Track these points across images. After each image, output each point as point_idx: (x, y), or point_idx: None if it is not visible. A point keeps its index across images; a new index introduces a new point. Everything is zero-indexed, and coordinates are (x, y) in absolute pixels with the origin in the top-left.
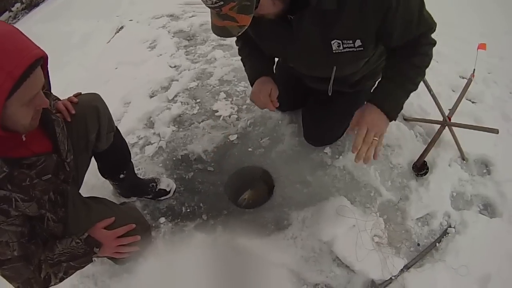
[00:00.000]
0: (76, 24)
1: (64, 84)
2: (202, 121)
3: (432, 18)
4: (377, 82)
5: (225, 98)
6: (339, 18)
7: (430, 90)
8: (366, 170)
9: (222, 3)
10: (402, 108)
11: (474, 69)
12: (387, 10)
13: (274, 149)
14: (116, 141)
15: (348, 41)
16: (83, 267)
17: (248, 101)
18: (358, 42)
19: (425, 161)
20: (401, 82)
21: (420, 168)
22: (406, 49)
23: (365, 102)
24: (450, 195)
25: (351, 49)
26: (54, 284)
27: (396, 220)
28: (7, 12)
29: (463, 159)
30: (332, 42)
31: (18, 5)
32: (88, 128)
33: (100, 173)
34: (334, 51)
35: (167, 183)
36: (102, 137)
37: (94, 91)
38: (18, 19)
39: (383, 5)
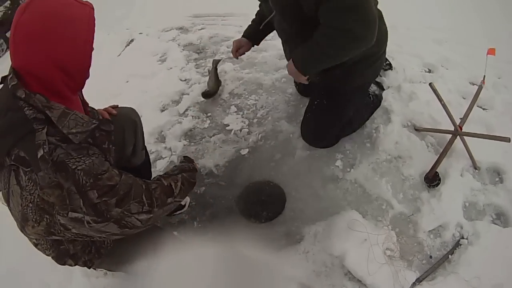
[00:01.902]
0: None
1: None
2: (213, 135)
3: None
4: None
5: (235, 111)
6: None
7: (440, 100)
8: (377, 183)
9: None
10: (313, 69)
11: (484, 76)
12: None
13: (285, 163)
14: (147, 158)
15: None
16: (194, 182)
17: (259, 114)
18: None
19: (437, 172)
20: (310, 44)
21: (432, 179)
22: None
23: None
24: (462, 205)
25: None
26: (177, 196)
27: (408, 232)
28: None
29: (475, 168)
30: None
31: None
32: (126, 141)
33: None
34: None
35: None
36: (138, 152)
37: (105, 104)
38: None
39: None
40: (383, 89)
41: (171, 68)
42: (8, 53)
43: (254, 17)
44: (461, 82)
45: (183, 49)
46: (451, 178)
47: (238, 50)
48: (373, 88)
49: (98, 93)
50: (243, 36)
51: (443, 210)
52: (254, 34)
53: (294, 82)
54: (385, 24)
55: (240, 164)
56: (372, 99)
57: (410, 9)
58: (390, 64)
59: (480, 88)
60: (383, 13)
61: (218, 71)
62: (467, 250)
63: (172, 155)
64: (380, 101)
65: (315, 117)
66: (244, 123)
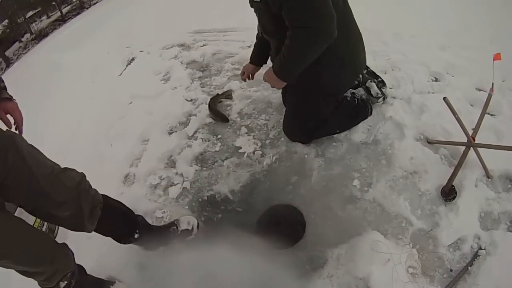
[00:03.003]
0: (86, 55)
1: (77, 119)
2: (225, 159)
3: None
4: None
5: (246, 133)
6: None
7: (454, 114)
8: (396, 200)
9: None
10: (289, 74)
11: (493, 83)
12: None
13: (302, 185)
14: (107, 213)
15: None
16: None
17: (271, 134)
18: None
19: (453, 185)
20: (282, 55)
21: (449, 193)
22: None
23: None
24: (478, 216)
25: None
26: None
27: (428, 248)
28: (18, 42)
29: (488, 177)
30: None
31: (27, 35)
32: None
33: (116, 241)
34: (254, 1)
35: (187, 221)
36: (86, 220)
37: (110, 128)
38: (28, 49)
39: None
40: (372, 95)
41: (175, 87)
42: (8, 70)
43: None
44: (468, 89)
45: (186, 67)
46: (467, 190)
47: (245, 73)
48: (360, 93)
49: (101, 115)
50: (249, 61)
51: (461, 223)
52: (257, 57)
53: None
54: (358, 35)
55: (256, 188)
56: (357, 102)
57: (413, 15)
58: (383, 82)
59: (489, 97)
60: (387, 22)
61: (221, 103)
62: (485, 261)
63: (185, 181)
64: (370, 109)
65: (289, 112)
66: (257, 144)
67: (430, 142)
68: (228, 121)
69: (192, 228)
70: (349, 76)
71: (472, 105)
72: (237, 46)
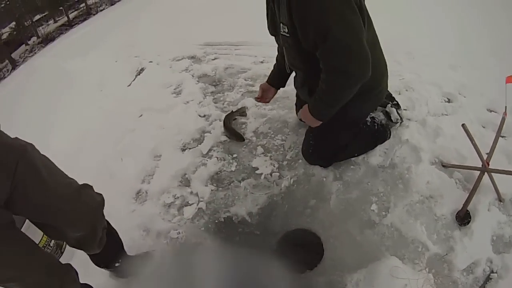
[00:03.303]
0: (93, 62)
1: (84, 129)
2: (242, 180)
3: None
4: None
5: (263, 153)
6: (282, 2)
7: (472, 140)
8: (413, 225)
9: None
10: (326, 115)
11: (506, 107)
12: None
13: (321, 209)
14: (109, 238)
15: (284, 25)
16: None
17: (288, 156)
18: (285, 28)
19: (467, 210)
20: (318, 97)
21: (464, 218)
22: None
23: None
24: (490, 239)
25: (284, 34)
26: None
27: (444, 272)
28: (24, 45)
29: (500, 200)
30: (280, 24)
31: (34, 38)
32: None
33: (95, 263)
34: (281, 33)
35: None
36: (96, 244)
37: (120, 140)
38: (35, 53)
39: None
40: (392, 121)
41: (187, 102)
42: (14, 72)
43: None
44: (480, 110)
45: (198, 81)
46: (480, 214)
47: (263, 95)
48: (380, 117)
49: (110, 126)
50: (267, 82)
51: (474, 247)
52: (276, 79)
53: (296, 111)
54: (383, 61)
55: (275, 211)
56: (376, 127)
57: (423, 34)
58: (398, 104)
59: (503, 120)
60: (399, 40)
61: (235, 121)
62: (497, 284)
63: (200, 201)
64: (389, 133)
65: (311, 137)
66: (274, 166)
67: (445, 166)
68: (243, 140)
69: None
70: (373, 104)
71: (484, 127)
72: (249, 61)
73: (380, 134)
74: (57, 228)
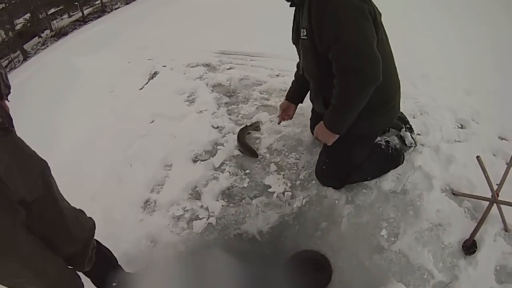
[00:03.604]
0: (105, 61)
1: (95, 130)
2: (254, 197)
3: (364, 38)
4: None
5: (276, 171)
6: (304, 10)
7: (485, 172)
8: (420, 253)
9: None
10: (342, 125)
11: None
12: (311, 4)
13: (331, 231)
14: (97, 257)
15: (303, 30)
16: None
17: (302, 175)
18: (304, 32)
19: (474, 240)
20: (332, 107)
21: (470, 247)
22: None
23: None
24: (494, 269)
25: (303, 37)
26: None
27: None
28: (37, 37)
29: (506, 231)
30: (302, 29)
31: (47, 31)
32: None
33: (95, 285)
34: (301, 37)
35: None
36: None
37: (130, 145)
38: (47, 46)
39: (310, 2)
40: (406, 145)
41: (201, 111)
42: (25, 63)
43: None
44: (491, 137)
45: (212, 90)
46: (486, 244)
47: (283, 113)
48: (395, 141)
49: (120, 130)
50: (286, 99)
51: (478, 276)
52: (295, 95)
53: (310, 127)
54: (396, 77)
55: (285, 231)
56: (391, 151)
57: (439, 56)
58: (411, 128)
59: None
60: (414, 62)
61: (249, 135)
62: None
63: (210, 217)
64: (402, 157)
65: (325, 155)
66: (287, 185)
67: (455, 194)
68: (257, 156)
69: None
70: (386, 120)
71: (494, 155)
72: (265, 74)
73: (394, 158)
74: (53, 243)
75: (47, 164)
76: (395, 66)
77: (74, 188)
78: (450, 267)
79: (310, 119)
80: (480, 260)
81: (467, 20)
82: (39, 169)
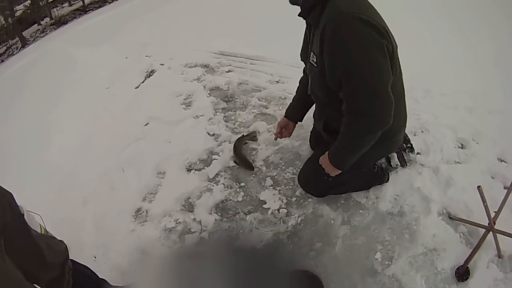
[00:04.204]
0: (103, 54)
1: (90, 131)
2: (248, 212)
3: (381, 87)
4: None
5: (272, 185)
6: (317, 33)
7: (484, 201)
8: (413, 277)
9: None
10: (346, 163)
11: None
12: (324, 32)
13: (325, 252)
14: (75, 278)
15: (314, 55)
16: None
17: (298, 192)
18: (314, 58)
19: (467, 267)
20: (338, 143)
21: (463, 274)
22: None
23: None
24: None
25: (312, 62)
26: None
27: None
28: (36, 25)
29: (499, 257)
30: (311, 52)
31: (47, 19)
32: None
33: None
34: (310, 61)
35: None
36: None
37: (124, 149)
38: (46, 34)
39: (324, 29)
40: (391, 165)
41: (197, 116)
42: (23, 50)
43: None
44: (491, 159)
45: (209, 94)
46: (479, 270)
47: (281, 131)
48: (381, 161)
49: (115, 132)
50: (285, 116)
51: None
52: (295, 112)
53: (310, 141)
54: (404, 114)
55: (278, 250)
56: (376, 169)
57: (442, 71)
58: (411, 148)
59: None
60: (417, 76)
61: (245, 145)
62: None
63: (203, 231)
64: (387, 177)
65: (311, 166)
66: (282, 201)
67: (451, 218)
68: (253, 169)
69: None
70: (383, 152)
71: (493, 178)
72: (265, 80)
73: (378, 177)
74: (30, 272)
75: (12, 195)
76: (405, 100)
77: (66, 191)
78: None
79: (311, 133)
80: (472, 286)
81: (474, 36)
82: (6, 199)
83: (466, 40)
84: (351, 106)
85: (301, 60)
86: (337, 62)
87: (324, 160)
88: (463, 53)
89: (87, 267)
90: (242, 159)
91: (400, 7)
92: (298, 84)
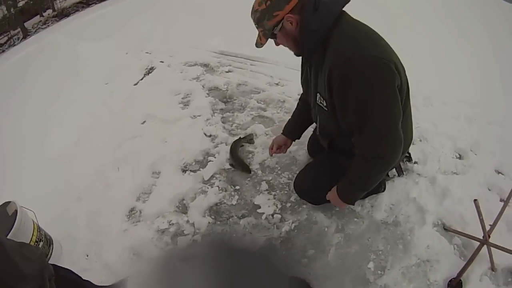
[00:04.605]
0: (103, 49)
1: (87, 126)
2: (242, 217)
3: (391, 136)
4: None
5: (267, 190)
6: (321, 75)
7: (480, 215)
8: None
9: (257, 26)
10: (355, 198)
11: None
12: (331, 77)
13: (318, 260)
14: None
15: (322, 98)
16: None
17: (293, 198)
18: (323, 102)
19: (460, 280)
20: (349, 181)
21: (455, 286)
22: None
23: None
24: None
25: (321, 105)
26: None
27: None
28: (38, 16)
29: (493, 270)
30: (316, 93)
31: (49, 11)
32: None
33: None
34: (317, 102)
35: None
36: None
37: (120, 146)
38: (48, 25)
39: (330, 75)
40: (388, 175)
41: (195, 116)
42: (24, 42)
43: (293, 109)
44: (488, 171)
45: (208, 94)
46: (472, 283)
47: (278, 149)
48: None
49: (112, 128)
50: (283, 133)
51: None
52: (294, 130)
53: (307, 147)
54: (411, 134)
55: (271, 256)
56: None
57: (443, 79)
58: (409, 157)
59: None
60: (418, 83)
61: (242, 148)
62: None
63: (196, 234)
64: (383, 186)
65: (310, 173)
66: (277, 206)
67: (446, 230)
68: (250, 172)
69: None
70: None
71: (489, 189)
72: (264, 81)
73: (375, 187)
74: (9, 284)
75: None
76: (412, 121)
77: (61, 185)
78: None
79: (309, 139)
80: None
81: (477, 43)
82: None
83: (468, 47)
84: (363, 150)
85: (303, 91)
86: (348, 109)
87: (332, 196)
88: (465, 60)
89: (70, 270)
90: (239, 161)
91: (402, 12)
92: (296, 88)
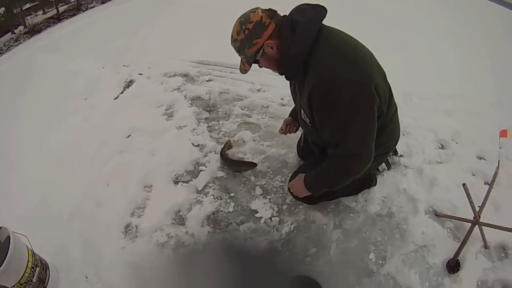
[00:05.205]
0: (78, 64)
1: (70, 144)
2: (241, 223)
3: (362, 145)
4: None
5: (262, 194)
6: (303, 94)
7: (469, 198)
8: (407, 274)
9: (238, 53)
10: (319, 190)
11: (499, 161)
12: (311, 98)
13: (320, 257)
14: None
15: (305, 114)
16: None
17: (288, 200)
18: (307, 118)
19: (458, 260)
20: (319, 173)
21: (454, 267)
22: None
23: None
24: (476, 285)
25: (305, 120)
26: None
27: None
28: (10, 33)
29: (486, 248)
30: (301, 108)
31: (21, 27)
32: None
33: None
34: (301, 117)
35: None
36: None
37: (107, 162)
38: (20, 42)
39: (310, 96)
40: (378, 170)
41: (180, 127)
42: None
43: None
44: (471, 158)
45: (191, 104)
46: (468, 262)
47: (287, 127)
48: None
49: (97, 144)
50: (290, 115)
51: None
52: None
53: (297, 145)
54: (398, 131)
55: (274, 258)
56: (364, 176)
57: (421, 75)
58: (395, 151)
59: (495, 175)
60: (396, 81)
61: (230, 151)
62: None
63: (197, 244)
64: (375, 181)
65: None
66: (273, 209)
67: (438, 215)
68: (256, 164)
69: None
70: (380, 163)
71: (473, 175)
72: (246, 88)
73: (366, 181)
74: None
75: None
76: (398, 119)
77: (50, 206)
78: (435, 285)
79: (298, 142)
80: (463, 277)
81: (456, 40)
82: None
83: (447, 43)
84: (335, 161)
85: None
86: (326, 129)
87: (297, 183)
88: (443, 57)
89: None
90: (240, 162)
91: (382, 12)
92: (278, 93)
